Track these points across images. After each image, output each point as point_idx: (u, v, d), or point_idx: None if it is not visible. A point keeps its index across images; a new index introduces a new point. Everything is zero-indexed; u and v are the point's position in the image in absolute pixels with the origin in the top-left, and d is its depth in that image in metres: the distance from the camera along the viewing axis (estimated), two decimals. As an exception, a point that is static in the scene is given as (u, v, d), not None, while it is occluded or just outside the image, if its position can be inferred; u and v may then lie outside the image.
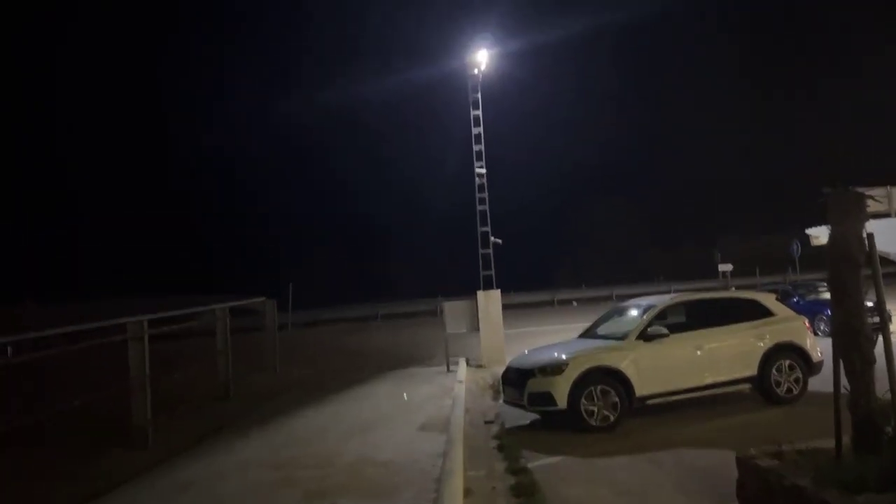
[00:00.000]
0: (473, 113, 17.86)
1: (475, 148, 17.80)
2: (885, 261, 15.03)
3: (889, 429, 4.59)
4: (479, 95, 17.88)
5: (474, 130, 17.84)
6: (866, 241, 4.73)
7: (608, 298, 39.16)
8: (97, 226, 61.64)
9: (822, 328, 15.97)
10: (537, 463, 7.13)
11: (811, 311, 15.41)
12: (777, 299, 10.44)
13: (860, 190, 4.80)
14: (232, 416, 11.01)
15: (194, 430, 9.83)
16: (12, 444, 7.06)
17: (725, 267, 32.16)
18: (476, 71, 17.83)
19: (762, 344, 9.26)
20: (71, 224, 60.54)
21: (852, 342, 4.76)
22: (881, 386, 4.69)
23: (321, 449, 8.33)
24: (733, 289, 26.34)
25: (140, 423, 8.92)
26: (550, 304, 42.58)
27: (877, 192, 6.25)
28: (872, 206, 5.14)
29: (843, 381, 4.83)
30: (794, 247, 30.17)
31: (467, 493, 6.01)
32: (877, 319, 4.77)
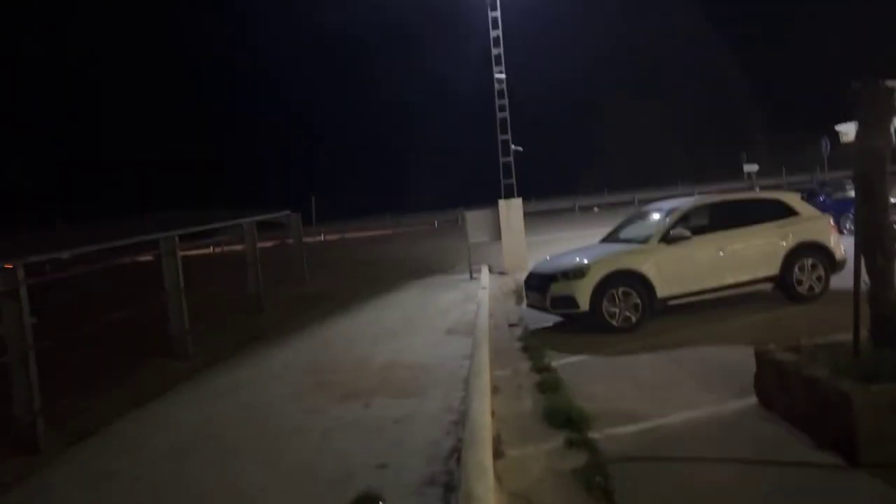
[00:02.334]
0: (492, 14, 17.27)
1: (494, 52, 17.33)
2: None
3: (907, 322, 4.68)
4: (497, -5, 17.22)
5: (493, 33, 17.31)
6: (894, 137, 4.66)
7: (630, 203, 38.92)
8: (119, 144, 61.89)
9: (848, 226, 15.79)
10: (561, 362, 7.39)
11: (838, 209, 15.25)
12: (803, 198, 10.34)
13: (890, 84, 4.68)
14: (265, 326, 11.45)
15: (230, 341, 10.27)
16: (56, 356, 7.47)
17: (751, 167, 31.49)
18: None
19: (785, 243, 9.27)
20: (94, 143, 60.83)
21: (875, 238, 4.78)
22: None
23: (353, 354, 8.70)
24: (758, 189, 25.96)
25: (179, 334, 9.33)
26: (572, 210, 42.56)
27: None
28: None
29: (865, 276, 4.88)
30: (823, 145, 29.40)
31: (494, 390, 6.30)
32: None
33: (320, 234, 38.39)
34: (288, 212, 16.70)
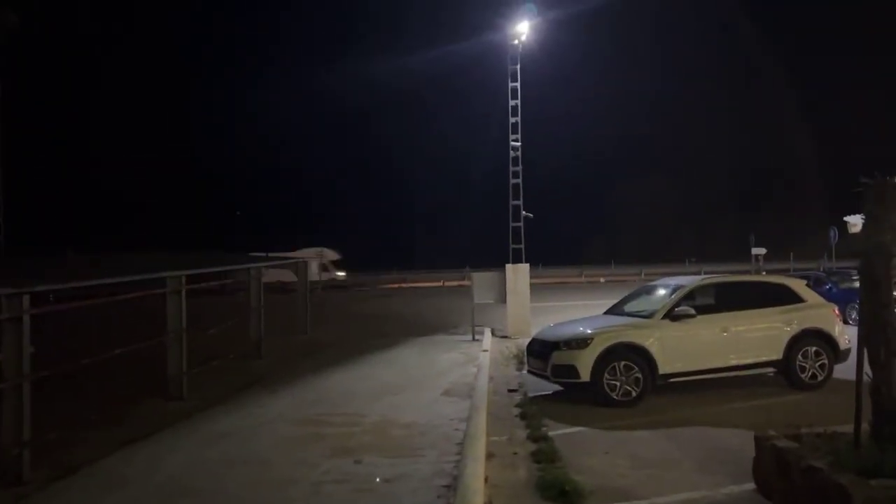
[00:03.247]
0: (511, 85, 17.78)
1: (511, 120, 17.75)
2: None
3: (909, 419, 4.64)
4: (519, 67, 17.76)
5: (511, 102, 17.78)
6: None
7: (637, 277, 38.96)
8: (134, 181, 63.04)
9: (853, 316, 15.73)
10: (558, 432, 7.31)
11: (844, 299, 15.21)
12: (808, 285, 10.38)
13: (897, 181, 4.79)
14: (264, 373, 11.37)
15: (228, 385, 10.19)
16: (51, 390, 7.43)
17: (759, 251, 31.72)
18: (516, 42, 17.68)
19: (789, 329, 9.25)
20: (109, 179, 61.97)
21: (878, 332, 4.80)
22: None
23: (348, 409, 8.61)
24: (764, 273, 26.00)
25: (176, 374, 9.28)
26: (579, 279, 42.58)
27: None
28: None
29: (867, 369, 4.88)
30: (832, 234, 29.62)
31: (489, 456, 6.21)
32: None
33: (325, 285, 38.43)
34: (296, 260, 16.83)
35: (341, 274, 44.17)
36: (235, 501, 5.38)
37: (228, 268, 12.82)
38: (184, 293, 9.51)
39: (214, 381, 10.19)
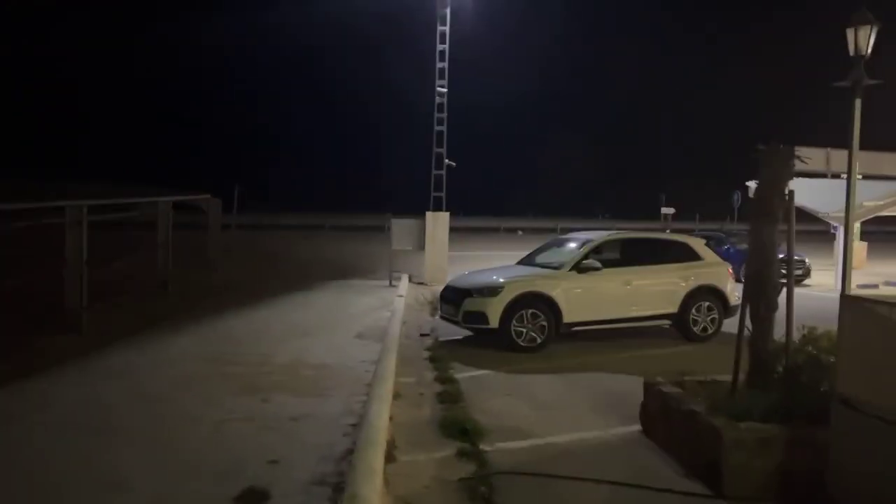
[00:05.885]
0: (440, 28, 17.45)
1: (439, 65, 17.50)
2: (813, 218, 15.81)
3: (780, 369, 5.06)
4: (448, 10, 17.42)
5: (439, 47, 17.49)
6: (787, 197, 5.06)
7: (552, 230, 39.93)
8: (39, 102, 58.53)
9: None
10: (465, 374, 7.54)
11: (739, 259, 16.03)
12: (708, 245, 10.98)
13: (789, 148, 5.09)
14: (169, 310, 11.09)
15: (130, 321, 9.89)
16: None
17: (668, 210, 33.03)
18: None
19: (685, 284, 9.80)
20: (12, 97, 57.26)
21: (760, 289, 5.16)
22: (779, 331, 5.15)
23: (257, 349, 8.55)
24: (668, 231, 27.25)
25: (74, 308, 8.91)
26: (497, 230, 43.31)
27: (809, 152, 6.64)
28: (810, 166, 5.48)
29: (749, 323, 5.26)
30: (735, 197, 31.26)
31: (396, 397, 6.34)
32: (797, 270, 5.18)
33: (241, 224, 37.38)
34: (208, 196, 16.23)
35: None
36: (130, 439, 5.28)
37: (133, 200, 12.26)
38: (85, 224, 9.06)
39: (117, 317, 9.87)
